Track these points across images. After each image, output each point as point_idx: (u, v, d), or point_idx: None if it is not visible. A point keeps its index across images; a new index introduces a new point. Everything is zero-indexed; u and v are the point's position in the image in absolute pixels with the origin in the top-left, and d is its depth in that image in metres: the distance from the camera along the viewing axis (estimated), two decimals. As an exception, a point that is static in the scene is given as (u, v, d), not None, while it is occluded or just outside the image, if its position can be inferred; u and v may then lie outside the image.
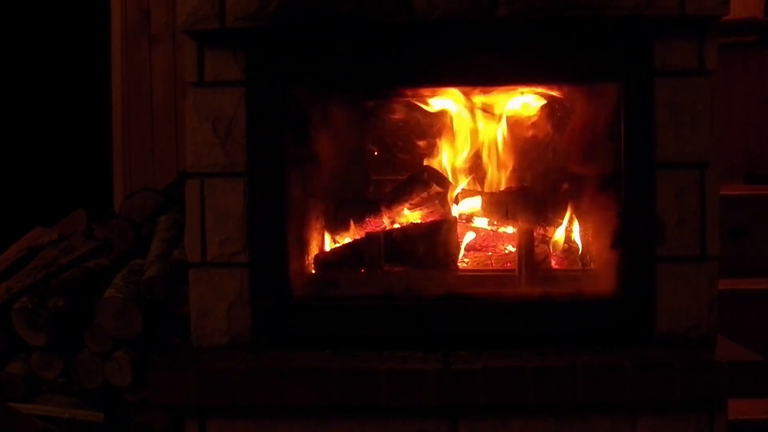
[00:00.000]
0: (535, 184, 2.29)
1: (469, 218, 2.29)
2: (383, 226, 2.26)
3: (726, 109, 3.40)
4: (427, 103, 2.28)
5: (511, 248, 2.22)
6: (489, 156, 2.33)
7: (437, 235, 2.12)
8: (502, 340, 1.93)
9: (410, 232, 2.18)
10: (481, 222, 2.29)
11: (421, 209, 2.28)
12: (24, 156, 3.66)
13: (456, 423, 1.85)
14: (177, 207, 2.56)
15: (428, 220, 2.25)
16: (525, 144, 2.30)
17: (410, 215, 2.28)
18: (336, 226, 2.27)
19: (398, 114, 2.35)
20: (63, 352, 2.27)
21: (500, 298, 2.01)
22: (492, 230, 2.28)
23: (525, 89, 2.22)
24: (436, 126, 2.33)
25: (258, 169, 1.96)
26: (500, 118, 2.29)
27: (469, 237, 2.25)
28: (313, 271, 2.14)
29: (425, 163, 2.35)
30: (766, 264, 2.85)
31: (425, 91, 2.24)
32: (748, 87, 3.49)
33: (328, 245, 2.24)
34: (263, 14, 1.88)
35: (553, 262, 2.18)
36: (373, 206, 2.30)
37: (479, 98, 2.26)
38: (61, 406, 2.17)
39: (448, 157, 2.34)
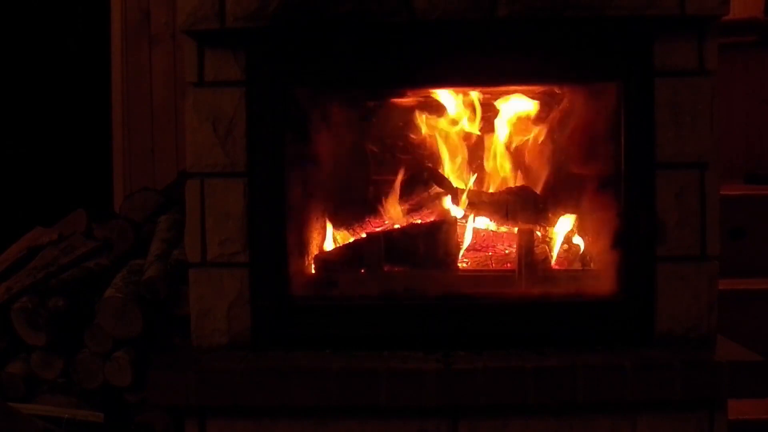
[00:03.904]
0: (535, 184, 2.29)
1: (469, 218, 2.28)
2: (383, 226, 2.26)
3: (726, 109, 3.39)
4: (426, 103, 2.28)
5: (511, 248, 2.22)
6: (489, 156, 2.33)
7: (437, 235, 2.12)
8: (502, 340, 1.93)
9: (410, 232, 2.18)
10: (481, 222, 2.29)
11: (421, 209, 2.28)
12: (24, 156, 3.66)
13: (456, 423, 1.85)
14: (177, 207, 2.56)
15: (428, 220, 2.25)
16: (525, 144, 2.30)
17: (410, 215, 2.28)
18: (336, 226, 2.28)
19: (398, 114, 2.35)
20: (63, 352, 2.27)
21: (500, 298, 2.01)
22: (492, 230, 2.28)
23: (525, 89, 2.22)
24: (435, 126, 2.33)
25: (258, 169, 1.96)
26: (500, 118, 2.29)
27: (469, 237, 2.25)
28: (313, 271, 2.14)
29: (425, 163, 2.35)
30: (766, 264, 2.85)
31: (425, 91, 2.24)
32: (748, 87, 3.49)
33: (328, 245, 2.24)
34: (263, 14, 1.88)
35: (553, 262, 2.18)
36: (373, 206, 2.30)
37: (479, 98, 2.26)
38: (61, 406, 2.17)
39: (449, 158, 2.34)
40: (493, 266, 2.20)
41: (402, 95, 2.29)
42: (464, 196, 2.26)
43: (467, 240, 2.24)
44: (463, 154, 2.34)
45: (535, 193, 2.24)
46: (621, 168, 1.94)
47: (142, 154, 3.40)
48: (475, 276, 2.14)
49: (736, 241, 2.82)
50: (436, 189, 2.25)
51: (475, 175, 2.33)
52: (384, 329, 1.96)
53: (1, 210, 3.55)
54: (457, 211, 2.25)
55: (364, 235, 2.23)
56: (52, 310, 2.25)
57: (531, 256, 2.07)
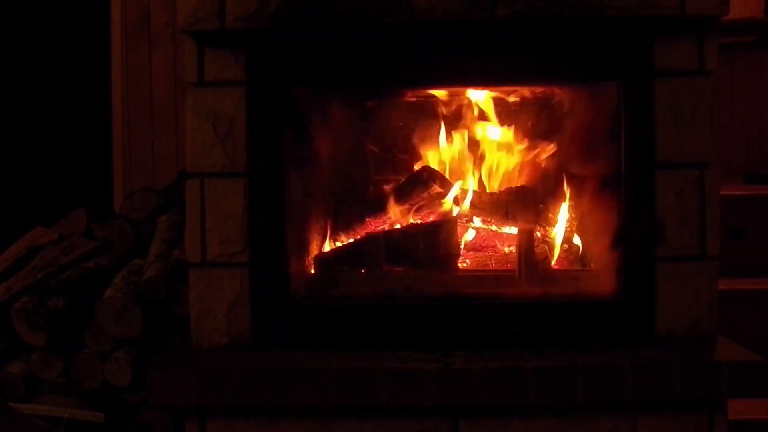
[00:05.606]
0: (535, 184, 2.29)
1: (469, 218, 2.28)
2: (383, 226, 2.26)
3: (726, 109, 3.41)
4: (426, 103, 2.28)
5: (511, 248, 2.22)
6: (489, 156, 2.32)
7: (437, 235, 2.12)
8: (502, 340, 1.93)
9: (410, 232, 2.18)
10: (481, 222, 2.29)
11: (421, 209, 2.28)
12: (24, 156, 3.66)
13: (456, 423, 1.85)
14: (177, 207, 2.56)
15: (428, 220, 2.25)
16: (525, 144, 2.30)
17: (410, 215, 2.28)
18: (336, 226, 2.27)
19: (398, 114, 2.35)
20: (63, 352, 2.27)
21: (500, 298, 2.01)
22: (492, 230, 2.28)
23: (525, 89, 2.22)
24: (435, 126, 2.33)
25: (258, 169, 1.96)
26: (500, 118, 2.29)
27: (469, 237, 2.24)
28: (313, 271, 2.14)
29: (425, 163, 2.35)
30: (766, 264, 2.85)
31: (425, 92, 2.24)
32: (748, 87, 3.49)
33: (328, 245, 2.24)
34: (263, 14, 1.88)
35: (553, 262, 2.18)
36: (373, 206, 2.30)
37: (478, 98, 2.26)
38: (61, 406, 2.17)
39: (448, 158, 2.34)
40: (493, 266, 2.20)
41: (402, 95, 2.29)
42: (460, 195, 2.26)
43: (467, 240, 2.24)
44: (463, 154, 2.34)
45: (535, 193, 2.24)
46: (621, 168, 1.94)
47: (142, 154, 3.40)
48: (475, 276, 2.14)
49: (736, 241, 2.82)
50: (436, 189, 2.25)
51: (475, 175, 2.33)
52: (384, 329, 1.96)
53: (1, 210, 3.55)
54: (457, 211, 2.25)
55: (364, 235, 2.23)
56: (52, 310, 2.25)
57: (531, 256, 2.07)
